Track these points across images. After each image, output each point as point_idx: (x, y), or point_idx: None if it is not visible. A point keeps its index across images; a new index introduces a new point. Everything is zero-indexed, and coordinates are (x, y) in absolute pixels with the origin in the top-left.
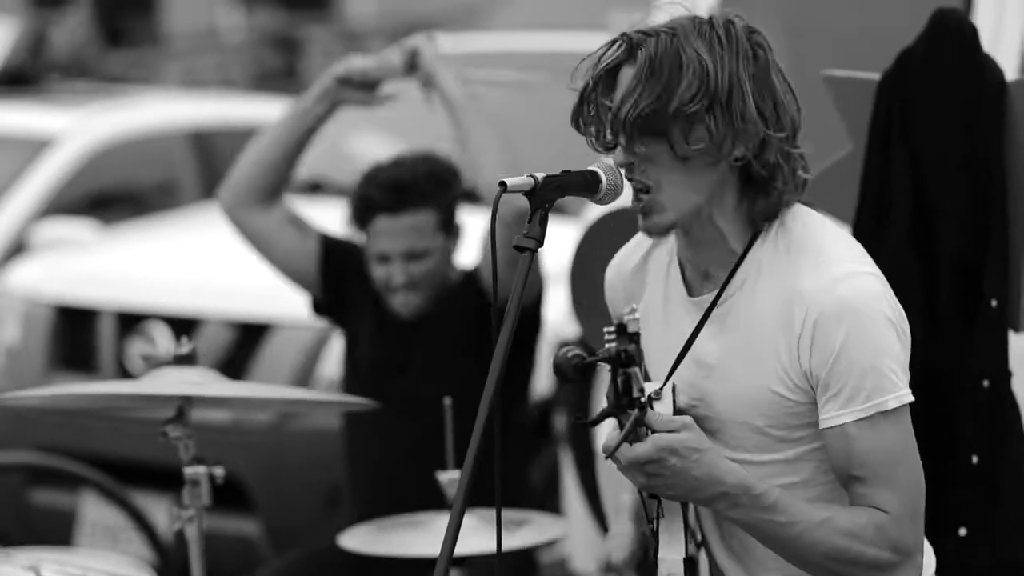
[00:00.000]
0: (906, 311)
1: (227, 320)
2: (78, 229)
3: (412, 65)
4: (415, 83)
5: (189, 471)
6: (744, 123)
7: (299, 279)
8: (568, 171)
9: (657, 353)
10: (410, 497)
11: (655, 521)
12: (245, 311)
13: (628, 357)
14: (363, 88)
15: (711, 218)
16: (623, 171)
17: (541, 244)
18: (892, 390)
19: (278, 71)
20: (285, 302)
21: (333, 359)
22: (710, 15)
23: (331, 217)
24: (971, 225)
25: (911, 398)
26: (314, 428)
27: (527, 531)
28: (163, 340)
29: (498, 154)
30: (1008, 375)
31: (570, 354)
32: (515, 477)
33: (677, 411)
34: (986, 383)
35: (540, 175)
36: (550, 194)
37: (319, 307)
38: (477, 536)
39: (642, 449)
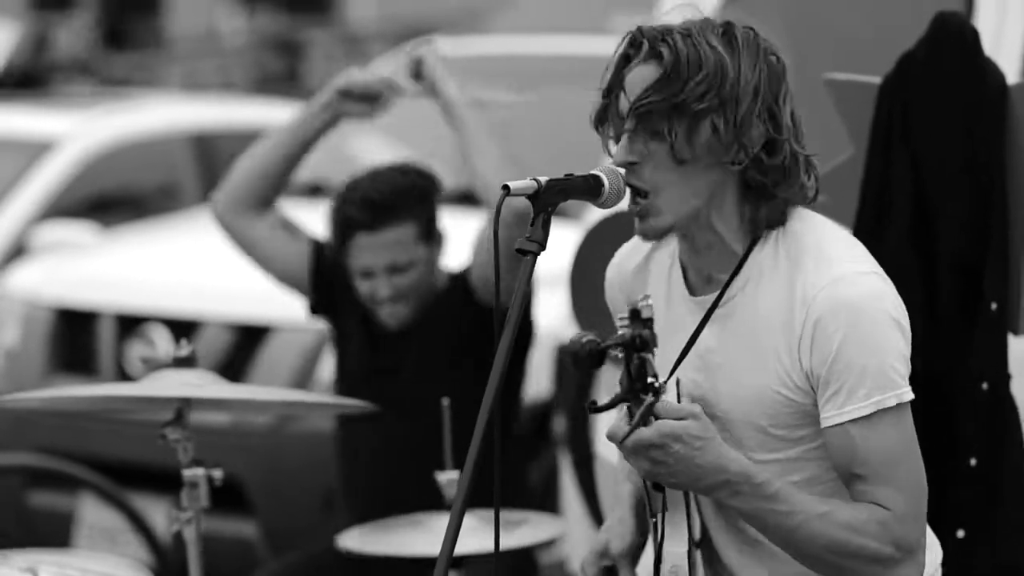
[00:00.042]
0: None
1: (226, 323)
2: (78, 232)
3: (417, 74)
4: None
5: (188, 473)
6: (752, 127)
7: (291, 283)
8: (571, 175)
9: (660, 352)
10: (404, 499)
11: (659, 514)
12: (244, 314)
13: (643, 342)
14: (364, 101)
15: (710, 222)
16: (623, 172)
17: (544, 247)
18: (893, 388)
19: (279, 74)
20: (284, 305)
21: (331, 362)
22: (727, 20)
23: None
24: (971, 226)
25: (912, 396)
26: (313, 430)
27: (525, 530)
28: (162, 342)
29: (499, 160)
30: (1007, 378)
31: (584, 340)
32: (513, 480)
33: None
34: (985, 386)
35: (543, 178)
36: (553, 198)
37: (316, 308)
38: (476, 536)
39: (647, 433)
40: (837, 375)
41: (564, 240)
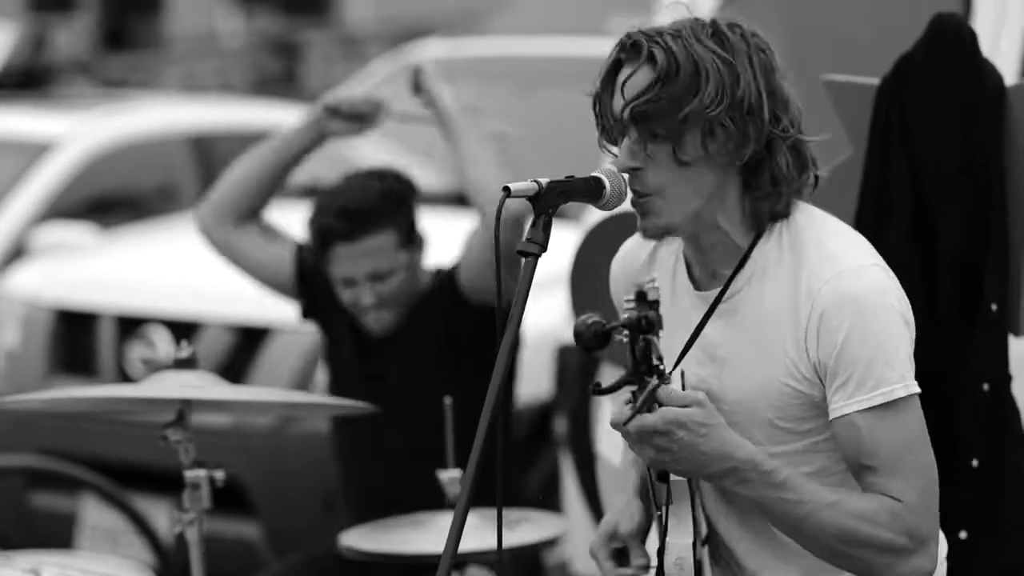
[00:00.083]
0: None
1: (227, 324)
2: (78, 233)
3: (416, 86)
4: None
5: (189, 474)
6: (758, 124)
7: (281, 289)
8: (572, 176)
9: (665, 347)
10: (400, 499)
11: (664, 506)
12: (245, 315)
13: (648, 323)
14: (351, 120)
15: (714, 220)
16: (626, 176)
17: (545, 249)
18: (899, 380)
19: (277, 76)
20: (284, 306)
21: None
22: (713, 18)
23: None
24: (971, 227)
25: (918, 389)
26: (314, 432)
27: (526, 528)
28: (163, 344)
29: (495, 168)
30: (1008, 379)
31: (589, 320)
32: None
33: None
34: (986, 387)
35: (544, 180)
36: (554, 200)
37: (307, 313)
38: (478, 534)
39: (651, 419)
40: (844, 367)
41: (564, 241)
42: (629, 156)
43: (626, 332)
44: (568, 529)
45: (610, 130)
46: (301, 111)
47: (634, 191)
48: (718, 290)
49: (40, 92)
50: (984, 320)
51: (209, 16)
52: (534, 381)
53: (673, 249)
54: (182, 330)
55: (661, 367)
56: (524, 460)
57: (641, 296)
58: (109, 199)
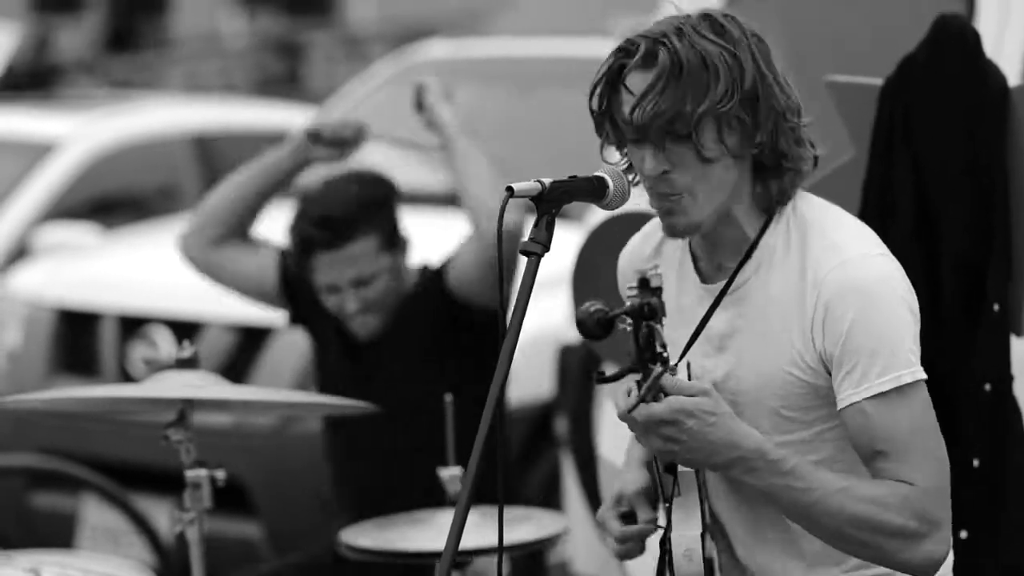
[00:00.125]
0: None
1: (228, 324)
2: (80, 233)
3: (419, 104)
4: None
5: (190, 474)
6: (766, 111)
7: (265, 298)
8: (575, 176)
9: (671, 340)
10: (392, 499)
11: (671, 499)
12: (246, 315)
13: (651, 310)
14: (333, 146)
15: (730, 212)
16: (631, 177)
17: (548, 249)
18: (906, 366)
19: (280, 76)
20: None
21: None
22: (706, 11)
23: None
24: (974, 227)
25: (924, 375)
26: (315, 432)
27: (528, 526)
28: (165, 344)
29: (493, 185)
30: (1010, 379)
31: (592, 309)
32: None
33: None
34: (988, 387)
35: (547, 180)
36: (557, 199)
37: (294, 319)
38: (478, 532)
39: (658, 409)
40: (850, 355)
41: (566, 241)
42: (656, 161)
43: (629, 320)
44: (569, 528)
45: (618, 136)
46: (304, 111)
47: (660, 194)
48: (724, 281)
49: (44, 92)
50: (987, 320)
51: (212, 17)
52: (535, 381)
53: (679, 243)
54: (184, 330)
55: (665, 355)
56: (525, 460)
57: (644, 283)
58: (111, 199)
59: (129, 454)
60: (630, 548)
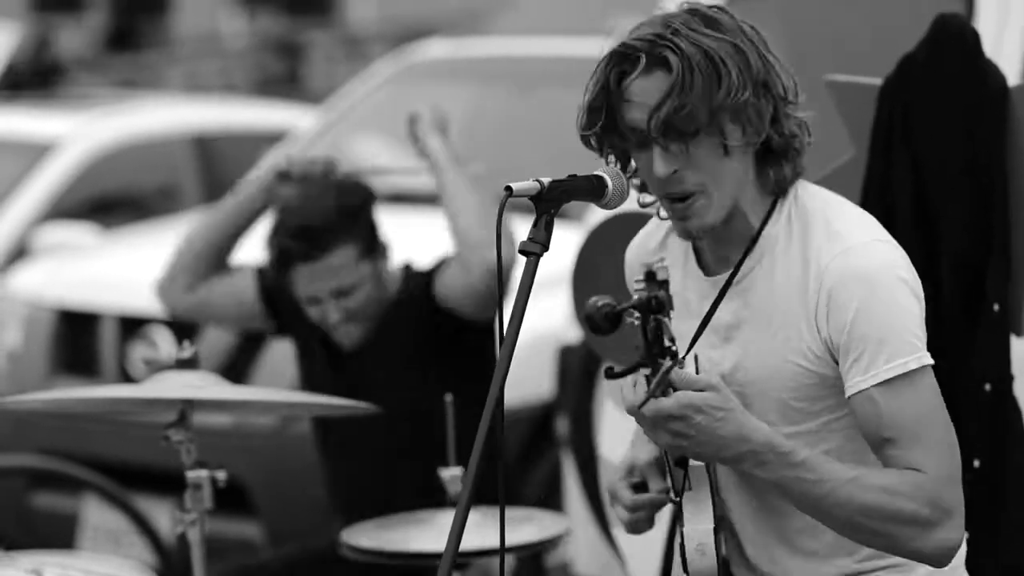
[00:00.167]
0: None
1: None
2: (80, 233)
3: (414, 135)
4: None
5: (191, 475)
6: (772, 97)
7: (249, 321)
8: (574, 175)
9: (677, 334)
10: (383, 502)
11: (681, 493)
12: None
13: (659, 303)
14: (302, 183)
15: (738, 204)
16: (662, 180)
17: (547, 249)
18: (913, 352)
19: (280, 76)
20: None
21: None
22: (692, 5)
23: None
24: (973, 227)
25: (931, 360)
26: None
27: (529, 528)
28: (165, 344)
29: (482, 223)
30: (1010, 379)
31: (600, 303)
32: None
33: None
34: (988, 387)
35: (546, 179)
36: (556, 199)
37: (278, 331)
38: (479, 532)
39: (667, 404)
40: (856, 343)
41: (566, 241)
42: (667, 161)
43: (637, 313)
44: (570, 529)
45: (622, 145)
46: (304, 111)
47: (671, 196)
48: (728, 273)
49: (44, 92)
50: (986, 320)
51: (212, 17)
52: (535, 382)
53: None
54: (184, 330)
55: (674, 348)
56: (525, 460)
57: (650, 276)
58: (111, 199)
59: (130, 454)
60: (639, 520)
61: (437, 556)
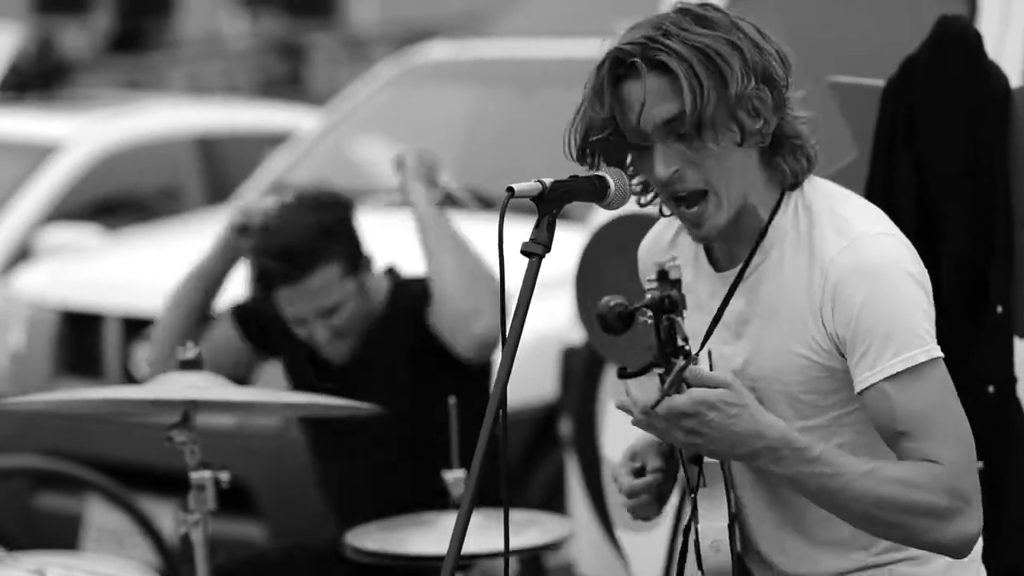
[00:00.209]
0: None
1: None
2: (83, 234)
3: (399, 183)
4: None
5: (195, 476)
6: (776, 88)
7: (241, 365)
8: (576, 176)
9: (690, 330)
10: (375, 505)
11: (696, 490)
12: None
13: (671, 303)
14: (262, 232)
15: (746, 199)
16: (666, 180)
17: (549, 249)
18: (920, 344)
19: (283, 78)
20: None
21: None
22: (680, 5)
23: None
24: (976, 229)
25: (940, 352)
26: None
27: (533, 531)
28: None
29: (462, 286)
30: (1013, 381)
31: (612, 303)
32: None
33: None
34: (991, 388)
35: (548, 180)
36: (558, 199)
37: (269, 355)
38: (482, 534)
39: (680, 401)
40: (863, 337)
41: (569, 243)
42: (668, 162)
43: (649, 313)
44: (573, 531)
45: (619, 152)
46: (307, 112)
47: (678, 197)
48: (739, 268)
49: (47, 93)
50: (989, 322)
51: (215, 18)
52: (539, 383)
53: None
54: None
55: (687, 347)
56: (529, 462)
57: (663, 275)
58: (114, 200)
59: (133, 455)
60: (644, 506)
61: (440, 558)
